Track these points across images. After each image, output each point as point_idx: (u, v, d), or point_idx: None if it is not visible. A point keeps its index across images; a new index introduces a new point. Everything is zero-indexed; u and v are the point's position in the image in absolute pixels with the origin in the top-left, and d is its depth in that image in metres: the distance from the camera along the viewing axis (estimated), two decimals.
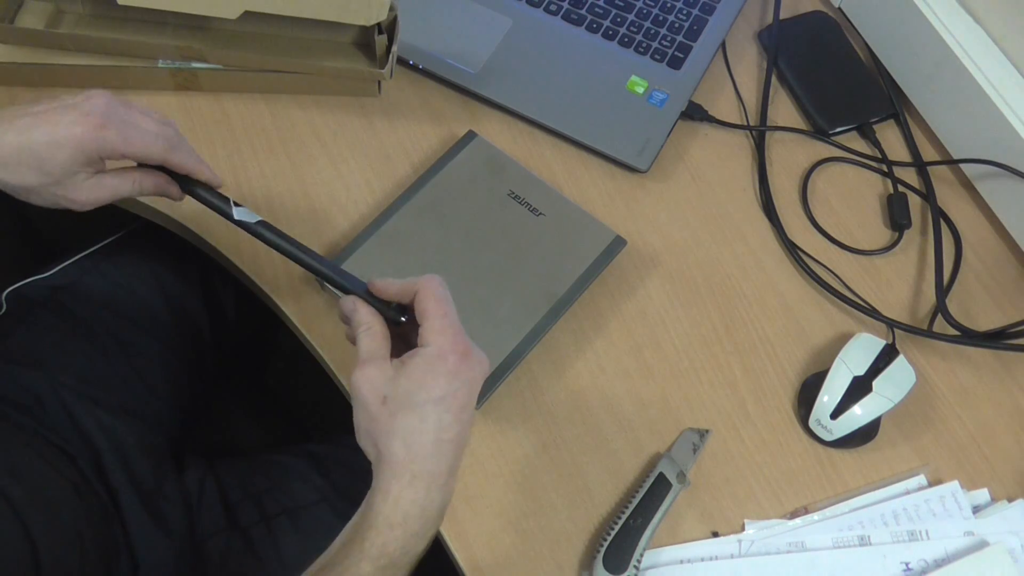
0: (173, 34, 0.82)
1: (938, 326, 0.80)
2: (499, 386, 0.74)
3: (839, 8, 0.96)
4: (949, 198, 0.87)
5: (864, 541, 0.71)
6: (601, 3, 0.91)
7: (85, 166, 0.63)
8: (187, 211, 0.81)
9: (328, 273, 0.63)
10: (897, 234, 0.85)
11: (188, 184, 0.66)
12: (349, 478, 0.85)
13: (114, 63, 0.82)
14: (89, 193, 0.65)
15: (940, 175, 0.88)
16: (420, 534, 0.55)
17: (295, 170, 0.83)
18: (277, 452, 0.90)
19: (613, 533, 0.69)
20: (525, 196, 0.81)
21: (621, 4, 0.91)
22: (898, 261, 0.84)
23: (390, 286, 0.60)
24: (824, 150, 0.89)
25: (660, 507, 0.70)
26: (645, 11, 0.91)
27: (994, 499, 0.74)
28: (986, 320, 0.81)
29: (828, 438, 0.75)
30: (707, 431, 0.75)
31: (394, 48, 0.81)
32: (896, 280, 0.83)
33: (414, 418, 0.55)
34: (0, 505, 0.70)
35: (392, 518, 0.54)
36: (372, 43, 0.83)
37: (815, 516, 0.72)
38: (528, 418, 0.75)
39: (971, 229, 0.86)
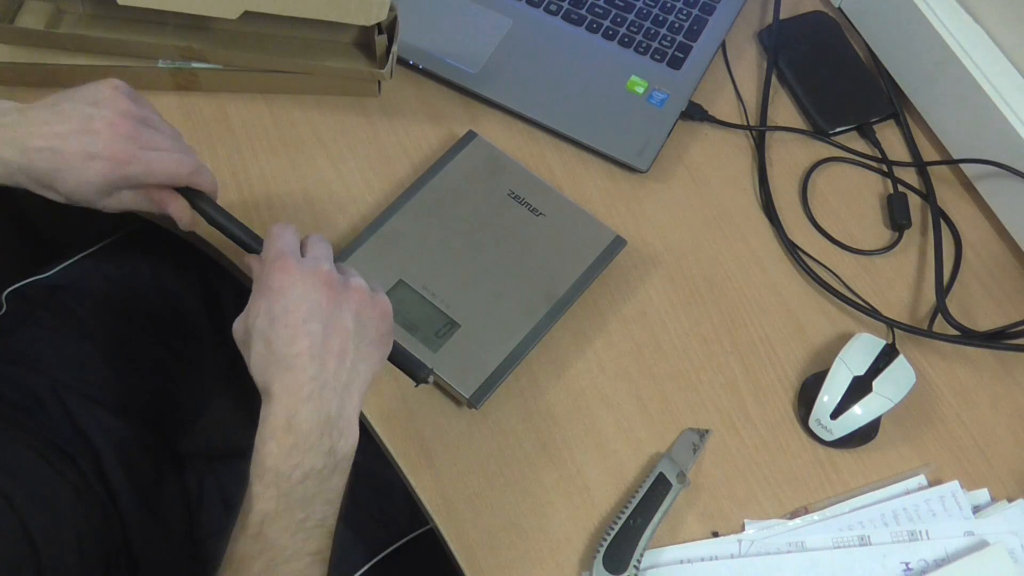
0: (173, 34, 0.82)
1: (938, 326, 0.80)
2: (499, 386, 0.74)
3: (839, 8, 0.96)
4: (949, 198, 0.87)
5: (864, 541, 0.71)
6: (601, 3, 0.91)
7: (108, 191, 0.65)
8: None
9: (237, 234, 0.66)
10: (897, 234, 0.85)
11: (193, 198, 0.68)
12: (348, 478, 0.85)
13: (114, 63, 0.82)
14: (110, 205, 0.67)
15: (940, 175, 0.88)
16: (301, 446, 0.55)
17: (295, 170, 0.83)
18: None
19: (613, 533, 0.69)
20: (525, 196, 0.81)
21: (621, 4, 0.91)
22: (898, 261, 0.84)
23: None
24: (824, 150, 0.89)
25: (660, 507, 0.70)
26: (645, 11, 0.91)
27: (994, 499, 0.74)
28: (986, 320, 0.81)
29: (828, 438, 0.75)
30: (707, 431, 0.75)
31: (394, 48, 0.81)
32: (896, 280, 0.83)
33: (256, 343, 0.57)
34: (0, 504, 0.70)
35: (263, 434, 0.55)
36: (372, 43, 0.83)
37: (815, 516, 0.72)
38: (528, 418, 0.75)
39: (971, 229, 0.86)
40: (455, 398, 0.74)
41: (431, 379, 0.66)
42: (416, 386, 0.66)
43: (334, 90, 0.86)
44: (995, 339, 0.79)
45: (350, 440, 0.58)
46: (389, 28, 0.82)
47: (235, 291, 0.94)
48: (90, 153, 0.62)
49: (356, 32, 0.84)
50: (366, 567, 0.83)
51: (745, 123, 0.90)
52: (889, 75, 0.91)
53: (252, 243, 0.66)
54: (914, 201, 0.87)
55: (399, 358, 0.66)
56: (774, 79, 0.92)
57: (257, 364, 0.57)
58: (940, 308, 0.81)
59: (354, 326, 0.58)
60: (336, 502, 0.58)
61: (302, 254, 0.60)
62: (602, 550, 0.68)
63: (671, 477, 0.71)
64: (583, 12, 0.91)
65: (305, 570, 0.56)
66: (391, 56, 0.81)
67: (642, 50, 0.90)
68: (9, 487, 0.71)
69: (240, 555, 0.55)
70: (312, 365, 0.56)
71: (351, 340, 0.58)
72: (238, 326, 0.59)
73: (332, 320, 0.57)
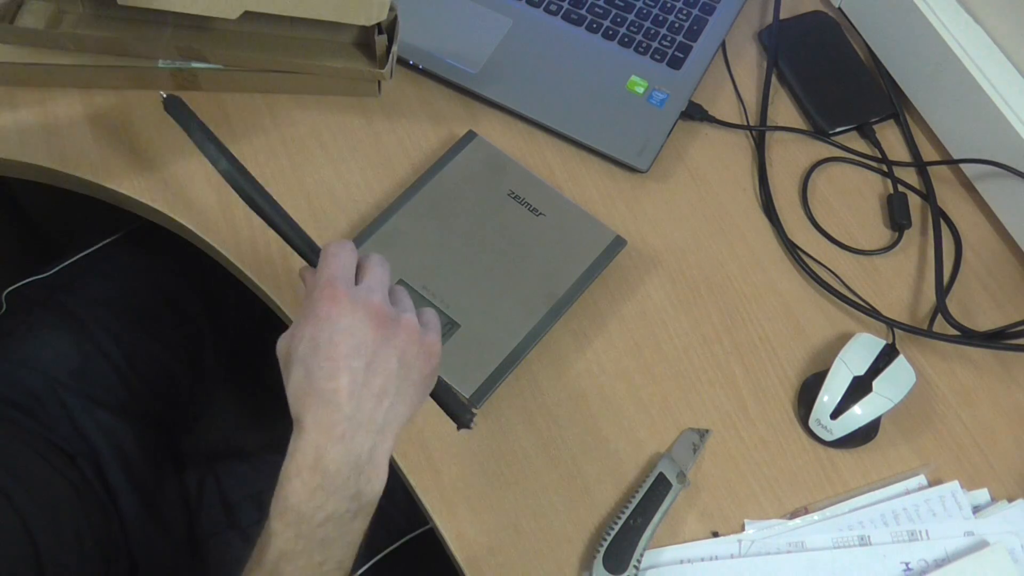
0: (173, 34, 0.82)
1: (938, 326, 0.80)
2: (499, 386, 0.74)
3: (839, 8, 0.96)
4: (949, 198, 0.87)
5: (864, 541, 0.71)
6: (601, 3, 0.91)
7: None
8: (187, 211, 0.81)
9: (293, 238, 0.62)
10: (897, 234, 0.85)
11: None
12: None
13: (114, 63, 0.82)
14: None
15: (940, 175, 0.88)
16: (326, 488, 0.53)
17: (295, 170, 0.83)
18: (277, 452, 0.89)
19: (613, 533, 0.69)
20: (525, 196, 0.81)
21: (621, 4, 0.91)
22: (898, 261, 0.84)
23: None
24: (824, 150, 0.89)
25: (660, 507, 0.70)
26: (645, 11, 0.91)
27: (994, 499, 0.74)
28: (986, 320, 0.81)
29: (828, 438, 0.75)
30: (707, 431, 0.75)
31: (394, 48, 0.81)
32: (896, 280, 0.83)
33: (296, 369, 0.54)
34: (1, 504, 0.70)
35: (289, 470, 0.53)
36: (372, 43, 0.83)
37: (815, 516, 0.72)
38: (528, 418, 0.75)
39: (971, 229, 0.86)
40: None
41: (473, 424, 0.63)
42: (459, 430, 0.64)
43: (334, 90, 0.86)
44: (995, 339, 0.79)
45: (377, 485, 0.55)
46: (389, 28, 0.82)
47: (235, 291, 0.94)
48: None
49: (356, 32, 0.84)
50: (366, 567, 0.83)
51: (745, 123, 0.90)
52: (889, 75, 0.91)
53: (309, 253, 0.62)
54: (914, 201, 0.87)
55: (444, 398, 0.63)
56: (774, 79, 0.92)
57: (294, 392, 0.55)
58: (940, 308, 0.81)
59: (398, 367, 0.55)
60: (356, 545, 0.56)
61: (358, 278, 0.58)
62: (602, 550, 0.68)
63: (671, 477, 0.71)
64: (583, 12, 0.91)
65: None
66: (391, 56, 0.81)
67: (642, 50, 0.90)
68: (9, 486, 0.71)
69: None
70: (349, 404, 0.53)
71: (393, 381, 0.55)
72: (281, 345, 0.56)
73: (376, 358, 0.55)
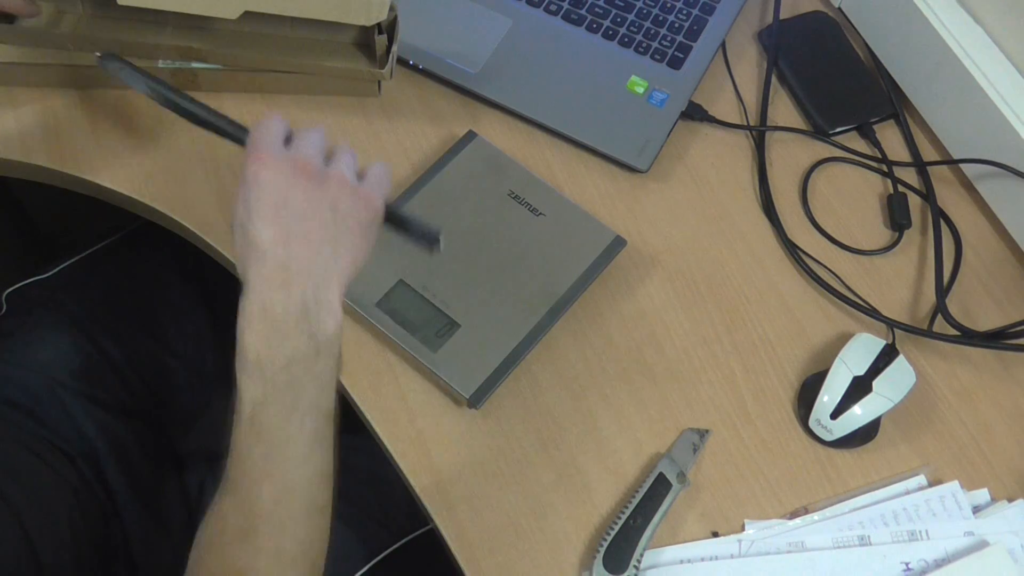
0: (173, 34, 0.82)
1: (938, 326, 0.80)
2: (499, 386, 0.74)
3: (839, 8, 0.96)
4: (949, 198, 0.87)
5: (864, 541, 0.71)
6: (601, 3, 0.91)
7: None
8: (187, 211, 0.81)
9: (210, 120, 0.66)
10: (897, 234, 0.85)
11: None
12: (348, 478, 0.85)
13: None
14: None
15: (940, 175, 0.88)
16: (278, 333, 0.55)
17: None
18: None
19: (613, 533, 0.69)
20: (525, 196, 0.81)
21: (621, 4, 0.91)
22: (898, 261, 0.84)
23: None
24: (824, 150, 0.89)
25: (660, 507, 0.70)
26: (645, 11, 0.91)
27: (994, 499, 0.74)
28: (986, 320, 0.81)
29: (828, 438, 0.75)
30: (707, 431, 0.75)
31: (394, 48, 0.81)
32: (896, 280, 0.83)
33: (236, 234, 0.58)
34: None
35: (241, 326, 0.56)
36: (372, 43, 0.83)
37: (815, 516, 0.72)
38: (528, 418, 0.75)
39: (971, 229, 0.86)
40: (455, 398, 0.74)
41: (442, 240, 0.65)
42: (432, 254, 0.65)
43: (334, 90, 0.86)
44: (995, 339, 0.79)
45: (330, 325, 0.57)
46: (389, 28, 0.82)
47: (235, 292, 0.94)
48: None
49: (356, 32, 0.84)
50: (366, 567, 0.83)
51: (745, 123, 0.90)
52: (889, 75, 0.91)
53: (239, 134, 0.64)
54: (914, 201, 0.87)
55: (405, 227, 0.65)
56: (774, 79, 0.92)
57: (237, 256, 0.58)
58: (940, 308, 0.81)
59: (331, 215, 0.58)
60: (329, 387, 0.58)
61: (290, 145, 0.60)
62: (602, 550, 0.68)
63: (671, 477, 0.71)
64: (583, 12, 0.91)
65: (305, 453, 0.56)
66: (391, 56, 0.81)
67: (642, 50, 0.90)
68: (6, 486, 0.71)
69: (240, 443, 0.56)
70: (284, 253, 0.56)
71: (329, 229, 0.58)
72: (232, 222, 0.59)
73: (307, 209, 0.57)
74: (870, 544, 0.71)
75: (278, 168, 0.57)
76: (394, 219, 0.64)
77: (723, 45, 0.93)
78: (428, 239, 0.65)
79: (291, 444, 0.56)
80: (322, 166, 0.59)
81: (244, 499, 0.55)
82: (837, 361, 0.75)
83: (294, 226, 0.57)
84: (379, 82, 0.86)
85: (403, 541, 0.85)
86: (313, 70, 0.83)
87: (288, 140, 0.60)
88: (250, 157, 0.58)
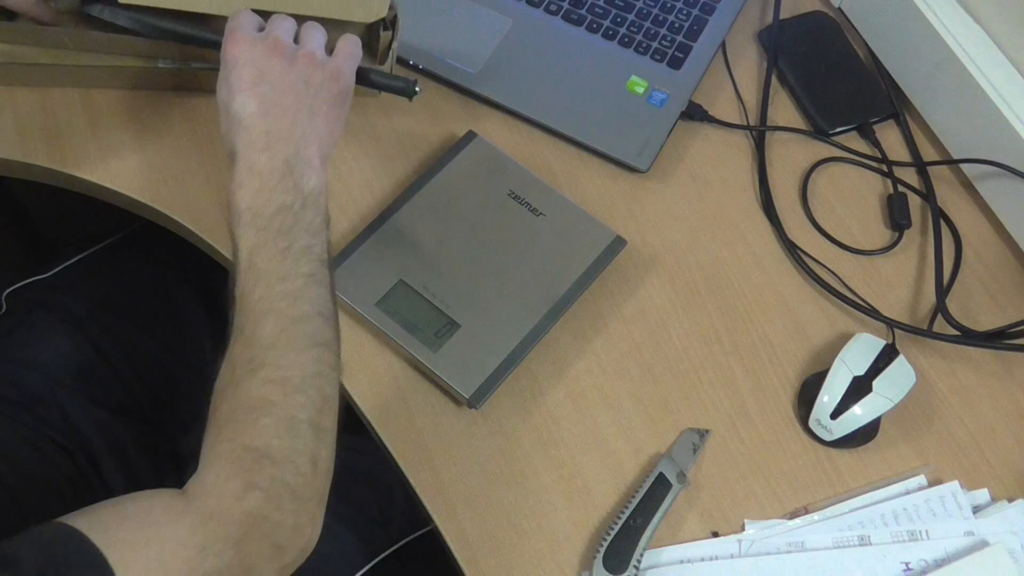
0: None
1: (938, 326, 0.80)
2: (499, 386, 0.74)
3: (839, 8, 0.96)
4: (949, 198, 0.87)
5: (864, 541, 0.71)
6: (601, 3, 0.91)
7: None
8: (187, 211, 0.81)
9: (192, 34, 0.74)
10: (897, 234, 0.85)
11: None
12: (347, 479, 0.85)
13: (114, 63, 0.82)
14: None
15: (940, 175, 0.88)
16: (266, 187, 0.62)
17: None
18: None
19: (613, 533, 0.69)
20: (525, 196, 0.81)
21: (621, 4, 0.91)
22: (898, 261, 0.84)
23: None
24: (824, 150, 0.89)
25: (660, 507, 0.70)
26: (645, 11, 0.91)
27: (994, 499, 0.74)
28: (986, 320, 0.81)
29: (828, 438, 0.75)
30: (707, 431, 0.75)
31: (394, 45, 0.81)
32: (896, 280, 0.83)
33: (222, 114, 0.65)
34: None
35: (232, 187, 0.62)
36: (372, 41, 0.82)
37: (815, 516, 0.72)
38: (528, 418, 0.75)
39: (971, 229, 0.86)
40: (455, 398, 0.74)
41: (419, 90, 0.74)
42: (411, 100, 0.74)
43: None
44: (995, 339, 0.79)
45: (313, 179, 0.64)
46: (389, 25, 0.82)
47: None
48: None
49: (356, 29, 0.84)
50: (366, 568, 0.83)
51: (745, 123, 0.90)
52: (889, 75, 0.91)
53: (220, 39, 0.68)
54: (914, 201, 0.87)
55: (382, 83, 0.74)
56: (774, 79, 0.92)
57: (224, 133, 0.64)
58: (940, 308, 0.81)
59: (304, 87, 0.65)
60: (319, 234, 0.63)
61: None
62: (602, 550, 0.68)
63: (671, 477, 0.71)
64: (583, 12, 0.91)
65: (302, 289, 0.61)
66: (391, 53, 0.81)
67: (642, 50, 0.90)
68: (8, 478, 0.71)
69: (241, 291, 0.61)
70: (265, 121, 0.63)
71: (304, 99, 0.65)
72: (218, 106, 0.65)
73: (282, 82, 0.64)
74: (870, 544, 0.71)
75: (253, 48, 0.64)
76: (368, 82, 0.72)
77: (723, 45, 0.93)
78: (406, 91, 0.74)
79: (288, 281, 0.60)
80: (293, 45, 0.66)
81: (250, 338, 0.59)
82: (837, 361, 0.75)
83: (272, 98, 0.63)
84: None
85: (403, 542, 0.85)
86: None
87: (261, 29, 0.67)
88: (227, 42, 0.65)
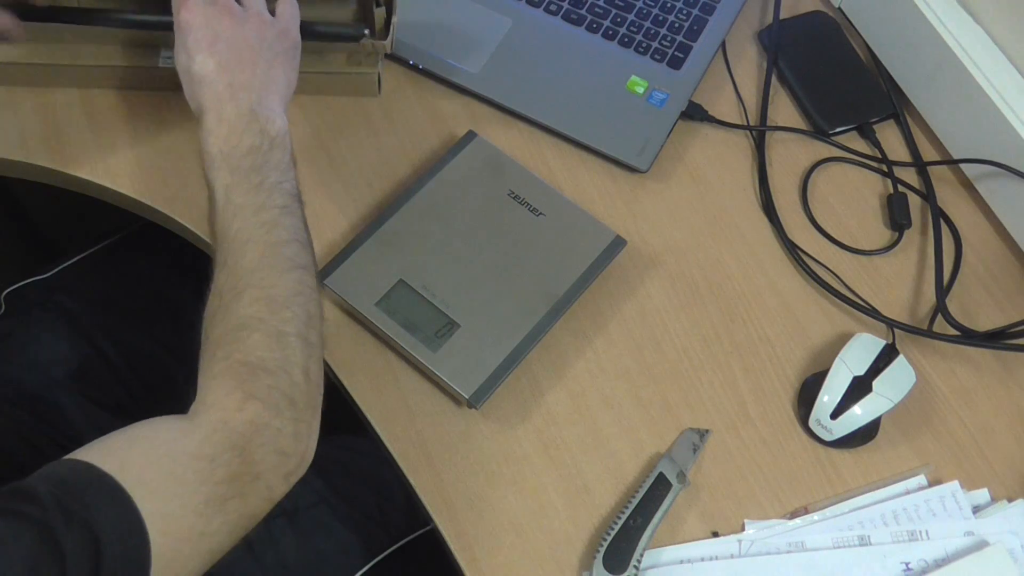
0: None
1: (938, 326, 0.80)
2: (499, 386, 0.74)
3: (839, 8, 0.96)
4: (949, 198, 0.87)
5: (864, 541, 0.71)
6: (601, 3, 0.91)
7: None
8: (187, 211, 0.81)
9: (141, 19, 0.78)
10: (897, 234, 0.85)
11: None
12: (347, 479, 0.85)
13: (114, 63, 0.82)
14: None
15: (940, 175, 0.88)
16: (235, 131, 0.65)
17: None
18: None
19: (613, 533, 0.69)
20: (525, 196, 0.81)
21: (621, 4, 0.91)
22: (898, 261, 0.84)
23: None
24: (824, 150, 0.89)
25: (660, 507, 0.70)
26: (645, 11, 0.91)
27: (994, 499, 0.74)
28: (986, 320, 0.81)
29: (828, 438, 0.75)
30: (707, 431, 0.75)
31: (394, 20, 0.80)
32: (896, 280, 0.83)
33: (184, 79, 0.69)
34: None
35: (202, 136, 0.66)
36: (368, 17, 0.81)
37: (815, 516, 0.72)
38: (528, 418, 0.75)
39: (971, 229, 0.86)
40: (455, 398, 0.74)
41: (367, 31, 0.78)
42: (359, 43, 0.78)
43: (334, 90, 0.86)
44: (995, 339, 0.79)
45: (278, 124, 0.67)
46: (382, 1, 0.81)
47: None
48: None
49: (355, 12, 0.83)
50: (366, 568, 0.83)
51: (745, 123, 0.90)
52: (889, 75, 0.91)
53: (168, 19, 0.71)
54: (914, 201, 0.87)
55: (330, 33, 0.78)
56: (774, 79, 0.92)
57: (189, 96, 0.68)
58: (940, 308, 0.81)
59: (258, 42, 0.69)
60: (288, 171, 0.67)
61: None
62: (602, 550, 0.68)
63: (671, 477, 0.71)
64: (583, 12, 0.91)
65: (278, 218, 0.64)
66: (391, 29, 0.80)
67: (642, 50, 0.90)
68: (1, 468, 0.71)
69: (220, 228, 0.64)
70: (226, 75, 0.67)
71: (261, 53, 0.69)
72: (178, 72, 0.69)
73: (236, 40, 0.68)
74: (870, 544, 0.71)
75: (204, 12, 0.68)
76: (315, 35, 0.76)
77: (723, 45, 0.93)
78: (353, 36, 0.78)
79: (264, 212, 0.64)
80: (240, 8, 0.70)
81: (233, 267, 0.62)
82: (837, 361, 0.75)
83: (229, 55, 0.67)
84: (379, 82, 0.86)
85: (402, 542, 0.85)
86: (309, 48, 0.81)
87: None
88: (180, 9, 0.68)
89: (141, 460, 0.54)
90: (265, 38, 0.70)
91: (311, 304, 0.64)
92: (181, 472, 0.54)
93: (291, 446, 0.60)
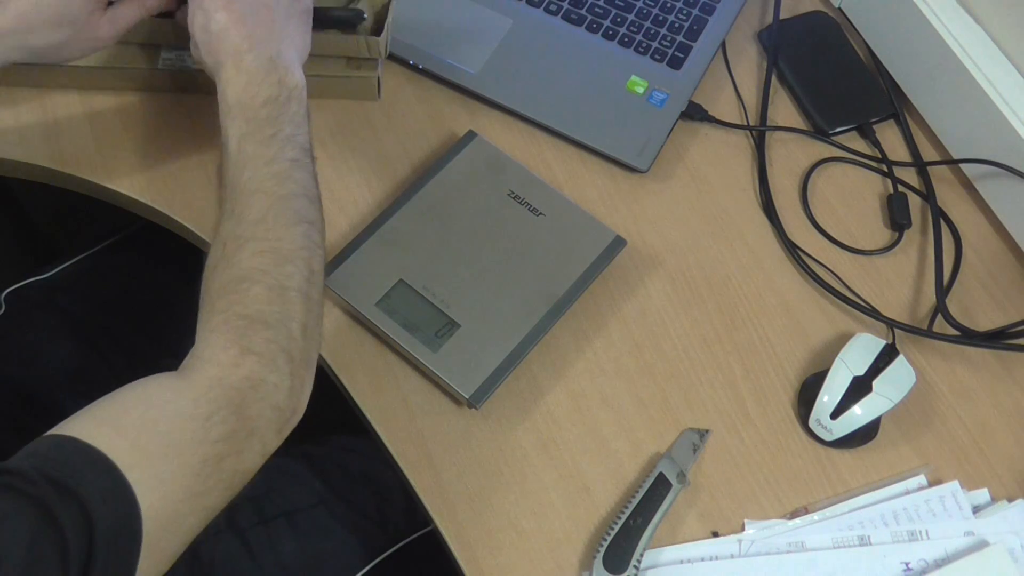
0: (174, 27, 0.82)
1: (938, 326, 0.80)
2: (499, 386, 0.74)
3: (839, 8, 0.96)
4: (949, 198, 0.87)
5: (864, 541, 0.71)
6: (601, 3, 0.91)
7: (97, 4, 0.70)
8: (187, 211, 0.81)
9: None
10: (897, 234, 0.85)
11: None
12: (346, 480, 0.85)
13: (114, 64, 0.82)
14: (110, 27, 0.72)
15: (940, 175, 0.88)
16: (253, 82, 0.65)
17: None
18: (274, 454, 0.89)
19: (613, 533, 0.69)
20: (525, 196, 0.81)
21: (621, 4, 0.91)
22: (898, 261, 0.84)
23: None
24: (824, 150, 0.89)
25: (660, 507, 0.70)
26: (645, 11, 0.91)
27: (994, 499, 0.74)
28: (986, 320, 0.81)
29: (828, 438, 0.75)
30: (707, 431, 0.75)
31: (389, 19, 0.80)
32: (896, 280, 0.83)
33: (199, 50, 0.68)
34: None
35: (221, 86, 0.66)
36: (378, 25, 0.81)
37: (815, 516, 0.72)
38: (528, 418, 0.75)
39: (971, 229, 0.86)
40: (455, 398, 0.74)
41: (365, 16, 0.79)
42: (356, 29, 0.79)
43: (334, 92, 0.86)
44: (995, 339, 0.79)
45: (295, 75, 0.68)
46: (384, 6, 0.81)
47: None
48: None
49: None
50: (365, 569, 0.83)
51: (745, 123, 0.90)
52: (889, 75, 0.91)
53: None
54: (914, 201, 0.87)
55: (332, 16, 0.79)
56: (774, 79, 0.92)
57: (206, 53, 0.67)
58: (940, 308, 0.80)
59: (273, 1, 0.68)
60: (302, 125, 0.67)
61: None
62: (602, 550, 0.68)
63: (671, 477, 0.71)
64: (583, 12, 0.91)
65: (288, 171, 0.64)
66: (386, 27, 0.80)
67: (642, 50, 0.90)
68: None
69: (230, 177, 0.64)
70: (245, 27, 0.66)
71: (275, 11, 0.68)
72: (193, 53, 0.69)
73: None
74: (870, 544, 0.71)
75: None
76: (317, 16, 0.75)
77: (723, 45, 0.93)
78: (352, 21, 0.79)
79: (275, 163, 0.64)
80: None
81: (239, 216, 0.62)
82: (837, 361, 0.75)
83: (246, 9, 0.66)
84: (379, 86, 0.86)
85: (402, 543, 0.85)
86: (312, 51, 0.81)
87: None
88: None
89: (136, 426, 0.54)
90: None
91: (315, 260, 0.64)
92: (177, 434, 0.54)
93: (286, 401, 0.60)
